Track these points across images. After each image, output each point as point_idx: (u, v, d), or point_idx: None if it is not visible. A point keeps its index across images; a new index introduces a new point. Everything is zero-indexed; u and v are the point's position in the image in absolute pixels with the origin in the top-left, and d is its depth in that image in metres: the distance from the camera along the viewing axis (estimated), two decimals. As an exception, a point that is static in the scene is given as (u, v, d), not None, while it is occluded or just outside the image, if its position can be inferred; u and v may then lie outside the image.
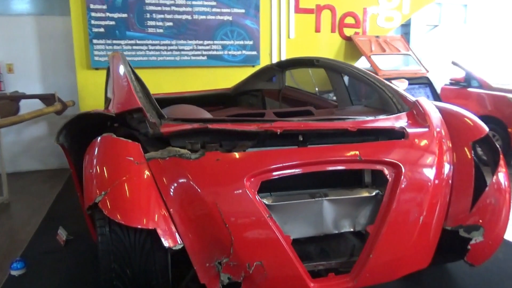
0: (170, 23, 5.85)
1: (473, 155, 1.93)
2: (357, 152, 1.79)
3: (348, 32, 6.71)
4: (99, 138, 1.84)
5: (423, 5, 7.04)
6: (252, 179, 1.65)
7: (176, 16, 5.85)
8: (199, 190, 1.61)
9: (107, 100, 3.01)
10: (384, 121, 2.07)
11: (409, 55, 6.58)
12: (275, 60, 6.44)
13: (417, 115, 2.11)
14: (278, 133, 1.81)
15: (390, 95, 2.39)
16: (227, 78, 5.94)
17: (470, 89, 6.48)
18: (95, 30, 5.58)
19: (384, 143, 1.93)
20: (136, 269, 1.58)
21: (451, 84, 6.87)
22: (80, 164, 2.27)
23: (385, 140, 1.96)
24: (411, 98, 2.31)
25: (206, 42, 6.04)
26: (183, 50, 5.96)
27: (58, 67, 5.96)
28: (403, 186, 1.76)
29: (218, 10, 6.00)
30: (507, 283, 2.15)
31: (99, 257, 1.61)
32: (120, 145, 1.78)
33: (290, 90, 4.11)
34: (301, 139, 1.87)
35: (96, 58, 5.64)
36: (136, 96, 2.07)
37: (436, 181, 1.83)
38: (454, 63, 6.74)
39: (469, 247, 1.84)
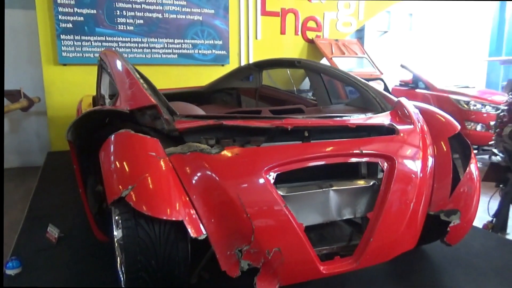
0: (141, 21, 5.87)
1: (450, 149, 2.26)
2: (359, 147, 2.01)
3: (310, 35, 7.10)
4: (116, 134, 1.87)
5: (376, 13, 7.62)
6: (269, 172, 1.80)
7: (147, 14, 5.88)
8: (221, 182, 1.72)
9: (101, 97, 3.04)
10: (376, 119, 2.32)
11: (365, 58, 7.10)
12: (243, 60, 6.68)
13: (401, 114, 2.38)
14: (289, 129, 1.98)
15: (373, 95, 2.64)
16: (198, 77, 6.09)
17: (417, 90, 7.12)
18: (63, 25, 5.47)
19: (379, 138, 2.17)
20: (161, 260, 1.65)
21: (400, 85, 7.50)
22: (84, 161, 2.31)
23: (378, 136, 2.19)
24: (393, 98, 2.63)
25: (177, 41, 6.13)
26: (154, 48, 6.00)
27: (21, 63, 5.74)
28: (396, 176, 1.99)
29: (188, 10, 6.11)
30: (474, 260, 2.50)
31: (124, 250, 1.66)
32: (141, 141, 1.82)
33: (267, 89, 4.29)
34: (307, 134, 2.04)
35: (64, 54, 5.54)
36: (147, 93, 2.13)
37: (423, 172, 2.09)
38: (402, 66, 7.36)
39: (448, 229, 2.13)
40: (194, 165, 1.77)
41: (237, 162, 1.80)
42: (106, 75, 2.88)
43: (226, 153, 1.81)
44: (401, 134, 2.19)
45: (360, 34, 8.56)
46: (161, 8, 5.94)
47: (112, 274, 2.24)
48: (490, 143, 3.76)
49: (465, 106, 6.31)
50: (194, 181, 1.74)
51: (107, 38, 5.73)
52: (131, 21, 5.82)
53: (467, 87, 7.15)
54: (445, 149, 2.26)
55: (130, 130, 1.90)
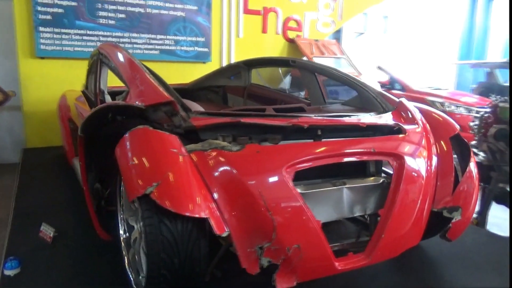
0: (123, 15, 5.74)
1: (451, 148, 2.35)
2: (372, 145, 2.07)
3: (291, 34, 7.17)
4: (134, 130, 1.84)
5: (355, 14, 7.80)
6: (288, 169, 1.81)
7: (129, 8, 5.75)
8: (243, 180, 1.73)
9: (101, 93, 2.94)
10: (381, 119, 2.38)
11: (344, 58, 7.25)
12: (225, 58, 6.66)
13: (404, 114, 2.46)
14: (305, 127, 2.00)
15: (374, 95, 2.70)
16: (180, 74, 6.00)
17: (393, 91, 7.35)
18: (42, 17, 5.26)
19: (389, 137, 2.22)
20: (183, 257, 1.65)
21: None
22: (89, 157, 2.26)
23: (387, 135, 2.24)
24: (394, 98, 2.72)
25: (159, 37, 6.03)
26: (136, 43, 5.88)
27: (-7, 54, 5.49)
28: (405, 174, 2.06)
29: (171, 5, 6.02)
30: (469, 255, 2.62)
31: (147, 248, 1.65)
32: (161, 137, 1.81)
33: (256, 88, 4.28)
34: (320, 133, 2.07)
35: (42, 47, 5.33)
36: (162, 89, 2.11)
37: (428, 171, 2.17)
38: (379, 68, 7.58)
39: (450, 225, 2.22)
40: (215, 163, 1.77)
41: (259, 159, 1.81)
42: (105, 69, 2.81)
43: (247, 150, 1.82)
44: (408, 134, 2.26)
45: (337, 35, 8.73)
46: (143, 2, 5.83)
47: (117, 273, 2.21)
48: (472, 143, 3.94)
49: (440, 107, 6.57)
50: (215, 179, 1.74)
51: (87, 32, 5.56)
52: (112, 15, 5.68)
53: (439, 89, 7.45)
54: (446, 149, 2.35)
55: (149, 126, 1.87)
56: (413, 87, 7.16)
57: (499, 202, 3.82)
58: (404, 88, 7.25)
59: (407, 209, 2.07)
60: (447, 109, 6.51)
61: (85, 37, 5.56)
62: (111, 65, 2.62)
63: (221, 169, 1.76)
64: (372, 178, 2.21)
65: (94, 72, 3.63)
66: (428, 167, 2.20)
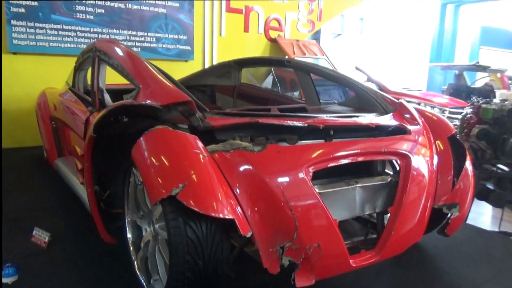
0: (102, 10, 5.54)
1: (449, 147, 2.41)
2: (382, 145, 2.10)
3: (273, 34, 7.18)
4: (154, 131, 1.79)
5: (333, 16, 7.91)
6: (307, 169, 1.81)
7: (108, 3, 5.57)
8: (265, 180, 1.71)
9: (99, 91, 2.78)
10: (387, 119, 2.40)
11: (324, 59, 7.34)
12: (207, 56, 6.57)
13: (405, 115, 2.49)
14: (321, 128, 2.00)
15: (374, 96, 2.73)
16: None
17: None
18: (14, 10, 4.99)
19: (396, 137, 2.24)
20: (207, 259, 1.62)
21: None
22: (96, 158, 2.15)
23: (393, 135, 2.26)
24: (393, 99, 2.75)
25: (140, 33, 5.87)
26: (116, 39, 5.70)
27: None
28: (412, 173, 2.10)
29: (152, 1, 5.88)
30: (463, 249, 2.70)
31: (172, 250, 1.60)
32: (182, 138, 1.77)
33: (246, 87, 4.24)
34: (332, 133, 2.07)
35: (15, 42, 5.05)
36: (177, 88, 2.06)
37: (430, 169, 2.23)
38: (357, 69, 7.72)
39: (449, 221, 2.29)
40: (238, 163, 1.74)
41: (280, 160, 1.79)
42: (104, 67, 2.70)
43: (269, 151, 1.79)
44: (412, 134, 2.30)
45: (316, 36, 8.81)
46: (123, -3, 5.67)
47: (125, 277, 2.12)
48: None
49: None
50: (238, 179, 1.71)
51: (64, 27, 5.33)
52: (91, 9, 5.47)
53: (412, 90, 7.67)
54: (444, 148, 2.41)
55: (168, 126, 1.81)
56: (389, 88, 7.33)
57: (480, 198, 3.98)
58: (381, 88, 7.39)
59: (413, 207, 2.11)
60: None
61: (61, 32, 5.33)
62: (112, 63, 2.51)
63: (244, 169, 1.73)
64: (380, 177, 2.24)
65: (83, 69, 3.49)
66: (430, 166, 2.25)
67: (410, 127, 2.35)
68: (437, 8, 10.51)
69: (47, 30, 5.23)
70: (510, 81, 7.91)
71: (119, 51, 2.54)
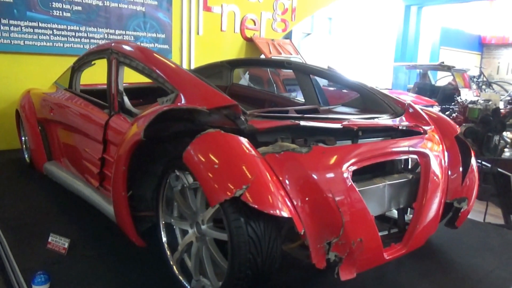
0: (79, 7, 5.34)
1: (457, 146, 2.58)
2: (406, 144, 2.24)
3: (248, 33, 7.23)
4: (207, 134, 1.83)
5: (306, 15, 8.09)
6: (348, 169, 1.91)
7: (86, 1, 5.38)
8: (314, 179, 1.79)
9: (119, 94, 2.68)
10: (402, 120, 2.54)
11: (298, 58, 7.49)
12: (185, 55, 6.51)
13: (416, 115, 2.63)
14: (355, 129, 2.13)
15: (381, 97, 2.84)
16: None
17: (344, 91, 7.74)
18: (-14, 6, 4.72)
19: (417, 137, 2.38)
20: (265, 256, 1.69)
21: (328, 85, 8.07)
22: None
23: (412, 135, 2.40)
24: (401, 100, 2.87)
25: (118, 32, 5.71)
26: (93, 38, 5.51)
27: None
28: (431, 170, 2.26)
29: (131, -1, 5.76)
30: (464, 239, 2.89)
31: (236, 249, 1.65)
32: (237, 140, 1.81)
33: (238, 88, 4.26)
34: (360, 134, 2.18)
35: (-13, 40, 4.78)
36: (221, 92, 2.11)
37: (444, 166, 2.40)
38: (329, 68, 7.94)
39: (459, 214, 2.47)
40: (288, 164, 1.80)
41: (325, 160, 1.88)
42: (122, 70, 2.65)
43: (315, 152, 1.87)
44: (429, 134, 2.46)
45: (287, 35, 8.97)
46: (101, -6, 5.49)
47: (163, 280, 2.13)
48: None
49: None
50: (290, 179, 1.78)
51: (40, 24, 5.09)
52: (68, 6, 5.26)
53: (380, 88, 8.00)
54: (452, 146, 2.58)
55: (220, 129, 1.85)
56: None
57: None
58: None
59: (433, 201, 2.27)
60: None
61: (37, 30, 5.08)
62: (136, 66, 2.47)
63: (294, 170, 1.80)
64: (402, 174, 2.37)
65: (81, 70, 3.40)
66: (444, 163, 2.43)
67: (425, 127, 2.52)
68: (402, 10, 11.04)
69: (22, 28, 4.97)
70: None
71: (146, 54, 2.53)
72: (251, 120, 1.98)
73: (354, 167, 1.95)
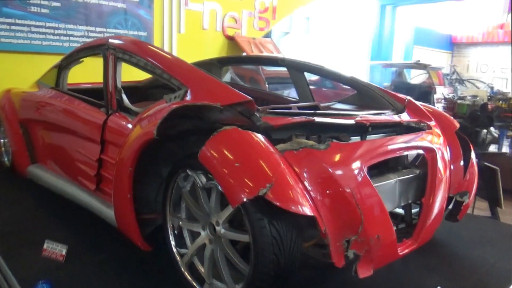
0: (57, 4, 5.13)
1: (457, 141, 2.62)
2: (417, 141, 2.25)
3: (230, 32, 7.16)
4: (224, 131, 1.76)
5: (287, 14, 8.10)
6: (365, 165, 1.89)
7: (64, -4, 5.19)
8: (334, 176, 1.75)
9: (117, 92, 2.56)
10: (407, 116, 2.56)
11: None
12: (168, 53, 6.38)
13: (417, 112, 2.65)
14: (367, 125, 2.10)
15: (380, 94, 2.85)
16: (123, 70, 5.60)
17: (324, 89, 7.80)
18: (-43, 1, 4.46)
19: (423, 132, 2.39)
20: (287, 256, 1.65)
21: (309, 83, 8.11)
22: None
23: (418, 131, 2.41)
24: (401, 96, 2.88)
25: (98, 29, 5.52)
26: (73, 35, 5.31)
27: None
28: (438, 165, 2.29)
29: (111, -5, 5.58)
30: (463, 233, 2.94)
31: (260, 250, 1.60)
32: (255, 138, 1.76)
33: (230, 85, 4.22)
34: (371, 130, 2.16)
35: (-40, 37, 4.52)
36: (231, 87, 2.07)
37: (447, 161, 2.43)
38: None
39: (462, 207, 2.51)
40: (308, 161, 1.76)
41: (343, 156, 1.85)
42: (120, 67, 2.54)
43: (332, 148, 1.84)
44: (433, 129, 2.48)
45: (267, 34, 8.95)
46: (80, -9, 5.30)
47: (175, 284, 2.05)
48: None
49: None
50: (309, 177, 1.74)
51: (16, 21, 4.86)
52: (46, 2, 5.04)
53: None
54: (453, 141, 2.61)
55: (237, 127, 1.79)
56: (342, 85, 7.67)
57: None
58: (334, 86, 7.73)
59: (440, 196, 2.30)
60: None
61: (13, 27, 4.85)
62: (137, 62, 2.38)
63: (312, 167, 1.76)
64: (410, 169, 2.38)
65: (69, 68, 3.25)
66: (447, 158, 2.46)
67: (429, 123, 2.54)
68: (377, 9, 11.24)
69: (-3, 24, 4.74)
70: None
71: (148, 49, 2.43)
72: (264, 117, 1.93)
73: (370, 163, 1.94)
